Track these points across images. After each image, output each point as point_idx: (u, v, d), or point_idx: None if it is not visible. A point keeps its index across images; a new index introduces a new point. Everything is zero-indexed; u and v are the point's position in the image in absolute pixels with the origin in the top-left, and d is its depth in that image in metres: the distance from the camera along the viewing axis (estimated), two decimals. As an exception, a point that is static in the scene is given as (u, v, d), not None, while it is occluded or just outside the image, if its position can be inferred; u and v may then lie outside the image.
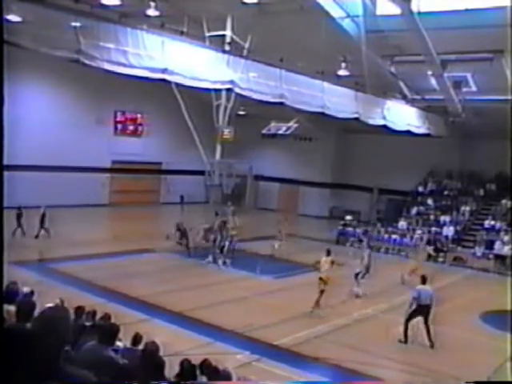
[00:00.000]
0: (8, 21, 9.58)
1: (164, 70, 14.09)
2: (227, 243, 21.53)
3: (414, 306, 13.29)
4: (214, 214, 23.60)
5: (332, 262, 15.55)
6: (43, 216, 22.59)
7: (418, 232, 26.46)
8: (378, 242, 27.24)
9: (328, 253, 15.86)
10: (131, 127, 35.87)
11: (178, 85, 18.39)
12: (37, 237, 22.40)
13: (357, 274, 17.72)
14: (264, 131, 30.75)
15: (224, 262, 20.93)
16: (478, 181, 31.21)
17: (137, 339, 7.24)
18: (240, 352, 11.94)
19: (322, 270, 15.35)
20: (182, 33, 16.09)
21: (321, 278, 15.23)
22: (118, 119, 35.11)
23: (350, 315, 15.54)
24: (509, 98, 21.70)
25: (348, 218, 29.98)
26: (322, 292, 15.14)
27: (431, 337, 13.20)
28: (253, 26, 21.20)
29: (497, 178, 30.15)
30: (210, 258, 21.28)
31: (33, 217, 22.40)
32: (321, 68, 19.76)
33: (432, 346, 13.11)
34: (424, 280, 13.59)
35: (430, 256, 24.32)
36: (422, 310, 13.22)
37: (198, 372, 6.59)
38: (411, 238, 26.39)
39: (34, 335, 2.63)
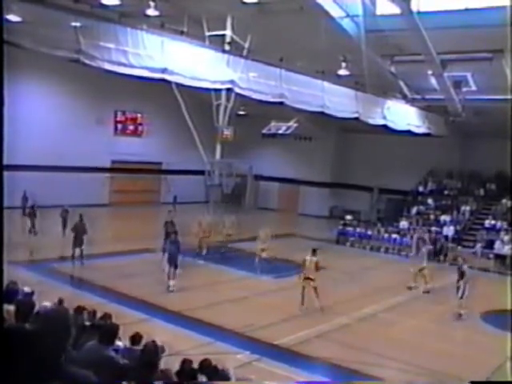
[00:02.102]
0: (8, 21, 9.57)
1: (164, 70, 14.09)
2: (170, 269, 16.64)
3: None
4: (168, 211, 22.90)
5: (317, 264, 15.26)
6: (66, 215, 22.56)
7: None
8: (378, 242, 27.29)
9: (314, 252, 15.63)
10: (131, 127, 35.90)
11: (178, 85, 18.40)
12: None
13: (462, 294, 15.82)
14: (264, 131, 30.80)
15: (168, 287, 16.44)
16: (478, 180, 31.21)
17: (136, 339, 7.22)
18: (240, 352, 11.94)
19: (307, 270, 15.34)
20: (181, 33, 16.10)
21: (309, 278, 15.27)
22: (118, 119, 35.14)
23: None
24: (509, 97, 21.65)
25: (348, 217, 30.01)
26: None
27: None
28: (253, 25, 21.22)
29: (497, 177, 30.14)
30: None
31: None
32: (321, 68, 19.74)
33: None
34: None
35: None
36: None
37: (197, 372, 6.58)
38: (411, 237, 26.36)
39: (33, 335, 2.63)
